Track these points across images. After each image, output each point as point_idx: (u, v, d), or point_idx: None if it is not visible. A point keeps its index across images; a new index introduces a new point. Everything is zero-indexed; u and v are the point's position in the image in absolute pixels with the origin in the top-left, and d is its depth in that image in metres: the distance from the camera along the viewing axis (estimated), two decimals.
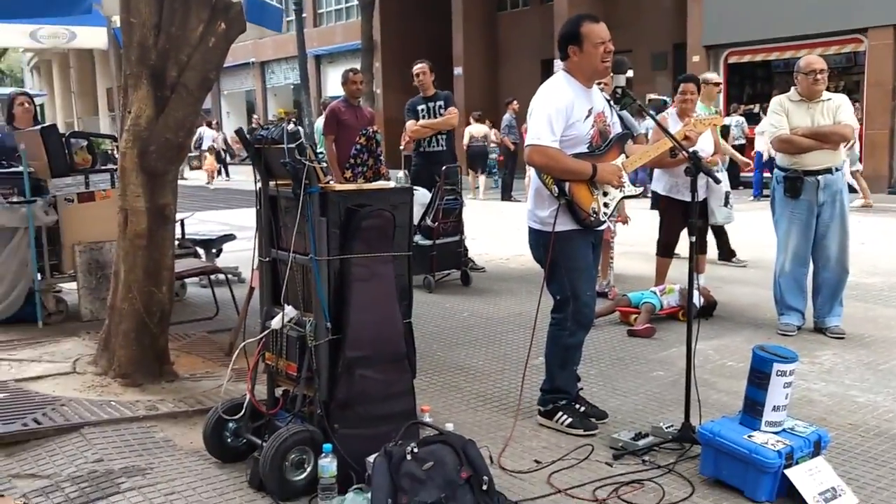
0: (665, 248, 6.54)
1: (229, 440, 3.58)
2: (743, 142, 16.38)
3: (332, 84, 28.78)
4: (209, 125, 27.37)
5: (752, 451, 3.18)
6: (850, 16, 15.66)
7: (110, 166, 6.65)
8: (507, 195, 16.99)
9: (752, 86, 19.71)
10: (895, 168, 16.13)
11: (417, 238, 7.15)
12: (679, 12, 19.19)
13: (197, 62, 4.50)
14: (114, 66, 6.69)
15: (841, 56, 16.93)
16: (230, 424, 3.55)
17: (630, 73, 6.96)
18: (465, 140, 17.25)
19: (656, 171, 6.51)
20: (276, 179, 3.50)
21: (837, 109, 5.47)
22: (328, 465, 3.09)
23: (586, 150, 3.85)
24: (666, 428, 3.74)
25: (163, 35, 4.44)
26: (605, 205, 3.88)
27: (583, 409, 4.03)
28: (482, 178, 18.02)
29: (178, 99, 4.50)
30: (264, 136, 3.42)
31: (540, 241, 3.92)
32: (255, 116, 30.91)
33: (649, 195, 7.21)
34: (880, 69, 15.68)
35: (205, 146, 26.07)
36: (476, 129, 17.65)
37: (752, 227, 10.65)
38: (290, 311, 3.40)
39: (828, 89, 5.60)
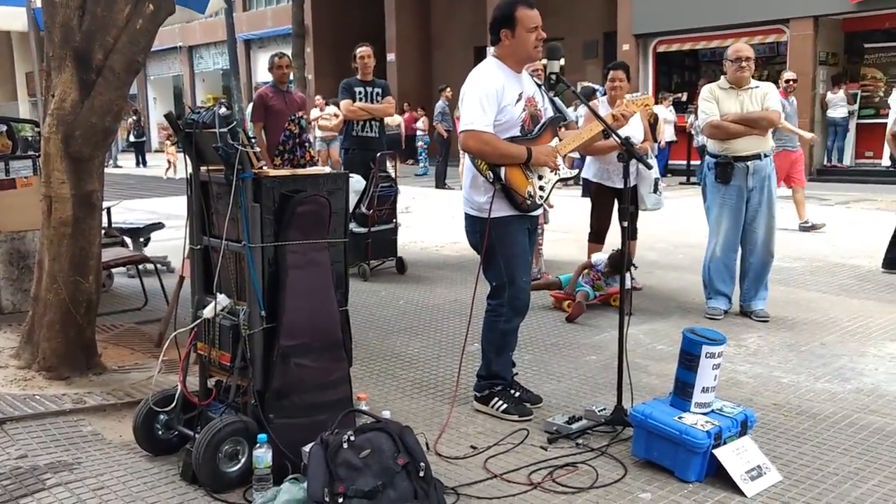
0: (596, 235, 6.63)
1: (160, 432, 3.50)
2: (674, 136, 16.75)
3: (263, 69, 28.30)
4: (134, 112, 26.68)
5: (683, 432, 3.26)
6: (773, 6, 16.09)
7: (31, 153, 6.42)
8: (440, 183, 16.99)
9: (680, 74, 20.12)
10: (815, 156, 16.65)
11: (352, 226, 7.09)
12: (609, 2, 19.43)
13: (124, 44, 4.35)
14: (34, 49, 6.41)
15: (764, 46, 17.37)
16: (161, 416, 3.47)
17: (562, 61, 7.01)
18: None
19: (588, 159, 6.59)
20: (207, 164, 3.42)
21: (765, 97, 5.63)
22: (263, 456, 3.05)
23: (519, 135, 3.85)
24: (599, 411, 3.80)
25: (87, 16, 4.29)
26: (541, 188, 3.90)
27: (518, 394, 4.06)
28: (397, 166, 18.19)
29: (105, 82, 4.35)
30: (195, 120, 3.34)
31: (476, 227, 3.92)
32: (222, 98, 30.12)
33: (580, 182, 7.29)
34: (801, 59, 16.14)
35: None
36: (391, 119, 17.67)
37: (678, 212, 10.90)
38: (222, 299, 3.34)
39: (752, 78, 5.75)
